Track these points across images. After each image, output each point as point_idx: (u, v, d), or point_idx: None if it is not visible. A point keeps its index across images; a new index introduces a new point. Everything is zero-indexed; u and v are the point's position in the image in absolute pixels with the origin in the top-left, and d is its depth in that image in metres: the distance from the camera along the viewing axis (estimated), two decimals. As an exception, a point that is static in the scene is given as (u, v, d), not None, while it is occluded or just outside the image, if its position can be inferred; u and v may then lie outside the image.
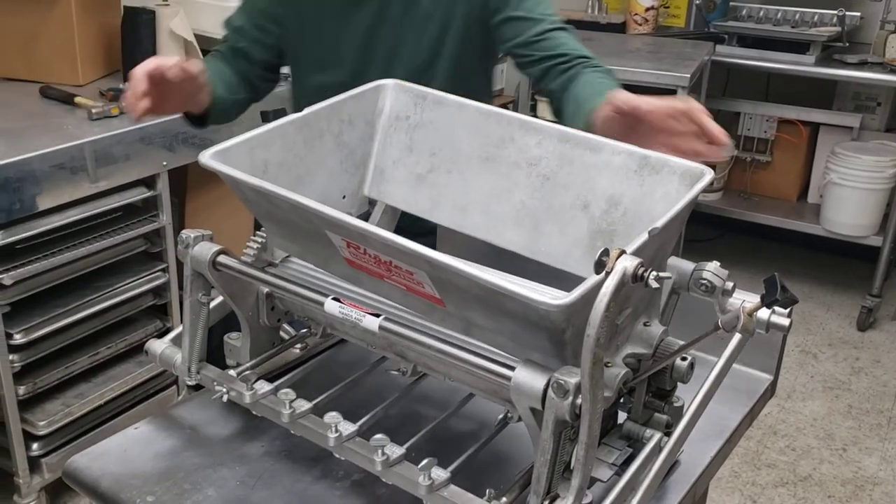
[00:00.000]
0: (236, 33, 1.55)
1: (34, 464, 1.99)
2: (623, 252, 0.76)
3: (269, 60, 1.57)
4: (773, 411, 2.69)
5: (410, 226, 1.13)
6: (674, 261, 0.94)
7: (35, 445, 1.98)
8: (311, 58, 1.54)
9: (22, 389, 1.90)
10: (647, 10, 3.45)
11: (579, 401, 0.77)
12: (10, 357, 1.86)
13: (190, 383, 1.08)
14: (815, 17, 3.33)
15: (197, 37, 2.37)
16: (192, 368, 1.06)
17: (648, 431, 0.94)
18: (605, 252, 0.76)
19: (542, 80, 1.41)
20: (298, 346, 1.14)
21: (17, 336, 1.86)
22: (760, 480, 2.39)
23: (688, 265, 0.93)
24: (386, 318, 0.91)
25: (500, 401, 0.93)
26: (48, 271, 1.90)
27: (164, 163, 2.07)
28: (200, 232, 1.04)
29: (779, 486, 2.38)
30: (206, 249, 1.02)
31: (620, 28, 3.52)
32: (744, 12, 3.46)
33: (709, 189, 3.51)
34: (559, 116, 1.38)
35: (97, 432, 2.07)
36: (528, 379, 0.80)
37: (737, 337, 0.92)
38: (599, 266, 0.75)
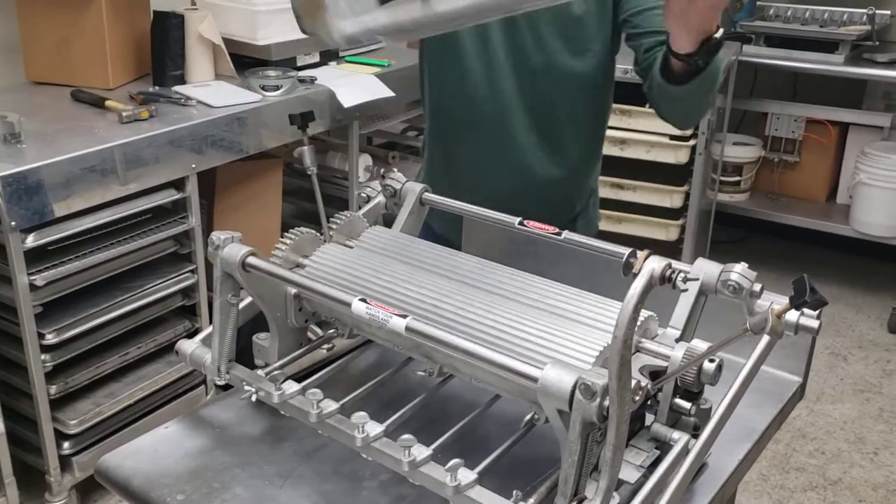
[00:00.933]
0: None
1: (65, 462, 2.02)
2: (651, 254, 0.76)
3: None
4: (802, 414, 2.66)
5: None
6: (701, 262, 0.93)
7: (66, 444, 2.01)
8: (454, 43, 1.50)
9: (53, 389, 1.93)
10: (674, 10, 3.43)
11: (606, 402, 0.77)
12: (42, 357, 1.89)
13: (219, 383, 1.09)
14: (845, 16, 3.29)
15: (225, 40, 2.39)
16: (221, 368, 1.07)
17: (676, 434, 0.93)
18: (633, 253, 0.76)
19: (642, 54, 1.39)
20: (325, 346, 1.15)
21: (49, 336, 1.89)
22: (789, 484, 2.37)
23: (715, 267, 0.93)
24: (413, 319, 0.91)
25: (527, 402, 0.93)
26: (79, 272, 1.93)
27: (193, 165, 2.09)
28: (230, 234, 1.05)
29: (808, 489, 2.35)
30: (235, 251, 1.03)
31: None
32: (771, 12, 3.43)
33: (736, 190, 3.50)
34: (649, 98, 1.36)
35: (127, 431, 2.10)
36: (556, 381, 0.80)
37: (765, 339, 0.92)
38: (627, 267, 0.75)
